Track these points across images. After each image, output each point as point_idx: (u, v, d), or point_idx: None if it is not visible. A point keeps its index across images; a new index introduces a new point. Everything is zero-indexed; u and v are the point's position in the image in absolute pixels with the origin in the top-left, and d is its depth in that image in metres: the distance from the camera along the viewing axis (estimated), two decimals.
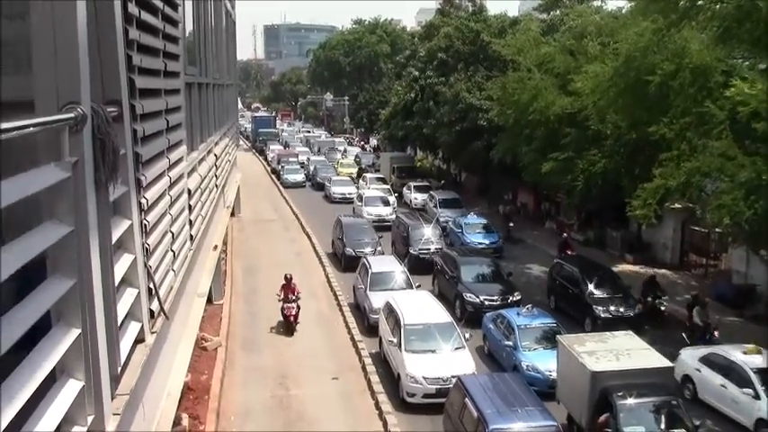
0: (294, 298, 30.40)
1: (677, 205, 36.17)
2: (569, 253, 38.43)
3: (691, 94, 29.82)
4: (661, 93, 30.83)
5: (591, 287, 31.69)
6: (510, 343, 26.88)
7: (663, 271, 39.02)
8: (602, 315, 30.04)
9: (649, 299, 31.83)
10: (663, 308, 31.87)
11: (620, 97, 33.34)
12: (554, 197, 51.07)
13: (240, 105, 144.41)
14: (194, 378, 23.33)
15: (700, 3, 28.01)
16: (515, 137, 45.09)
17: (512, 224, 48.00)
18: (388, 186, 62.62)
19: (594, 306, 30.61)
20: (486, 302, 32.20)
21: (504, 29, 58.70)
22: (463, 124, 56.07)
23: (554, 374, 24.30)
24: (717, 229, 34.04)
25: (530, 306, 29.42)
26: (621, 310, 30.51)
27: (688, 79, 29.98)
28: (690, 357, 25.37)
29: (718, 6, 27.30)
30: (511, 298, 32.77)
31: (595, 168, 35.69)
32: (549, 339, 26.58)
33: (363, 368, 26.51)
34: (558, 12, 53.73)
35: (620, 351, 22.18)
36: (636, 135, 33.51)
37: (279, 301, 30.47)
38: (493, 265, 35.96)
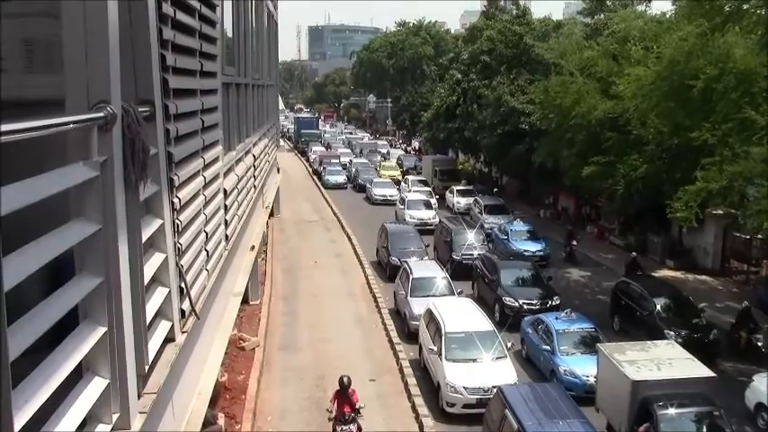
0: (353, 415, 20.96)
1: (719, 211, 35.84)
2: (638, 274, 36.14)
3: (734, 100, 29.49)
4: (704, 97, 30.57)
5: (661, 309, 29.56)
6: (548, 347, 26.53)
7: (703, 277, 38.79)
8: (674, 340, 26.32)
9: (743, 333, 29.18)
10: (760, 343, 28.75)
11: (663, 101, 33.07)
12: (595, 202, 50.74)
13: (282, 106, 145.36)
14: (231, 378, 23.49)
15: (745, 7, 27.78)
16: (557, 141, 44.87)
17: (575, 242, 43.98)
18: (430, 189, 62.35)
19: (666, 330, 27.85)
20: (526, 306, 31.68)
21: (548, 32, 58.54)
22: (505, 127, 56.03)
23: (591, 379, 24.10)
24: (758, 235, 33.69)
25: (568, 310, 28.88)
26: (696, 335, 27.97)
27: (731, 84, 29.66)
28: (764, 384, 23.89)
29: (763, 11, 27.08)
30: (550, 302, 32.29)
31: (636, 173, 35.46)
32: (587, 344, 26.35)
33: (401, 371, 26.40)
34: (601, 16, 53.38)
35: (662, 360, 21.70)
36: (678, 140, 33.20)
37: (329, 419, 20.99)
38: (532, 269, 35.49)
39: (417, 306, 30.03)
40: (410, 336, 29.75)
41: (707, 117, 30.48)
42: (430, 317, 27.28)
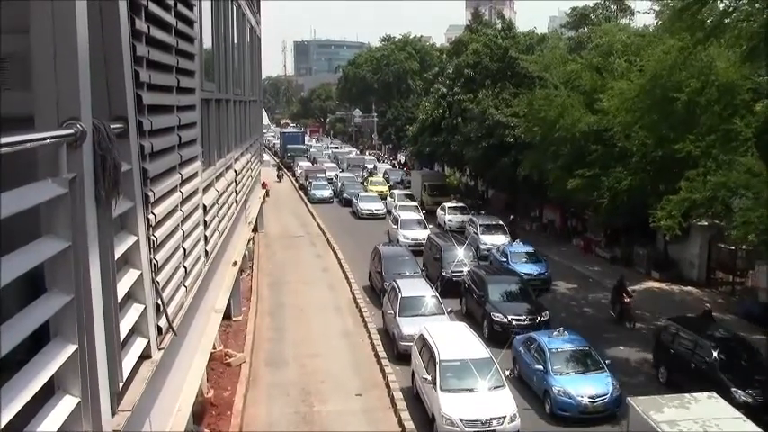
0: None
1: (704, 222, 35.98)
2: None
3: (717, 112, 29.69)
4: (687, 110, 30.74)
5: (722, 361, 25.24)
6: (541, 367, 25.75)
7: (689, 288, 39.01)
8: (742, 399, 23.09)
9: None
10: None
11: (647, 114, 33.25)
12: (581, 214, 50.82)
13: (267, 121, 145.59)
14: (217, 394, 23.39)
15: (726, 21, 27.96)
16: (542, 154, 45.01)
17: (628, 298, 34.67)
18: (416, 204, 61.95)
19: (733, 389, 23.58)
20: (515, 322, 31.17)
21: (532, 46, 58.77)
22: (490, 141, 56.08)
23: (586, 400, 23.78)
24: (743, 247, 33.76)
25: (561, 329, 28.05)
26: None
27: (714, 97, 29.86)
28: None
29: (744, 24, 27.26)
30: (539, 317, 31.74)
31: (621, 185, 35.50)
32: (581, 363, 25.89)
33: (387, 385, 26.23)
34: (585, 29, 53.72)
35: (707, 420, 19.01)
36: (662, 152, 33.30)
37: None
38: (521, 284, 34.96)
39: (407, 326, 29.44)
40: (399, 356, 29.09)
41: (690, 129, 30.65)
42: (423, 343, 26.07)
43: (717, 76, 30.37)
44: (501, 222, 51.29)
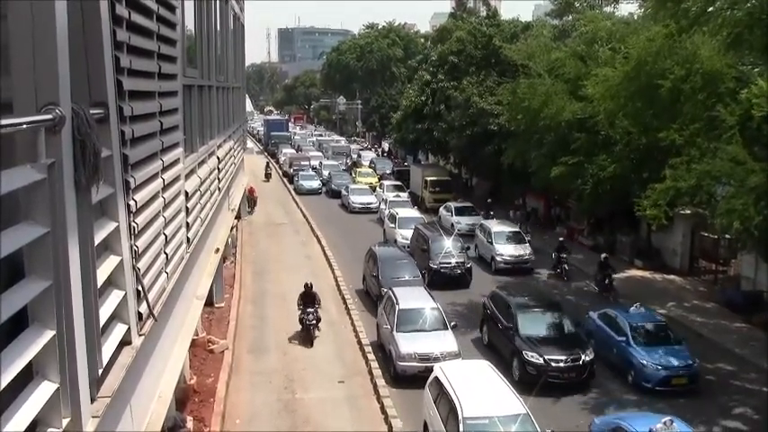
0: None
1: (687, 211, 36.03)
2: None
3: (701, 100, 29.72)
4: (671, 98, 30.78)
5: None
6: None
7: (672, 277, 39.08)
8: None
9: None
10: None
11: (631, 102, 33.28)
12: (564, 202, 50.83)
13: (251, 108, 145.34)
14: (200, 381, 23.42)
15: (710, 9, 27.97)
16: (525, 142, 44.99)
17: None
18: (406, 194, 59.94)
19: None
20: (553, 364, 25.33)
21: (517, 34, 58.64)
22: (474, 129, 55.78)
23: None
24: (726, 235, 33.87)
25: (668, 420, 18.33)
26: None
27: (698, 84, 29.88)
28: None
29: (728, 12, 27.28)
30: (583, 357, 25.66)
31: (605, 173, 35.58)
32: None
33: (370, 372, 26.18)
34: (569, 17, 53.61)
35: None
36: (646, 140, 33.35)
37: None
38: (557, 313, 28.58)
39: (405, 343, 25.98)
40: (397, 378, 25.73)
41: (674, 118, 30.67)
42: (439, 390, 20.72)
43: (701, 64, 30.38)
44: (517, 229, 44.26)
